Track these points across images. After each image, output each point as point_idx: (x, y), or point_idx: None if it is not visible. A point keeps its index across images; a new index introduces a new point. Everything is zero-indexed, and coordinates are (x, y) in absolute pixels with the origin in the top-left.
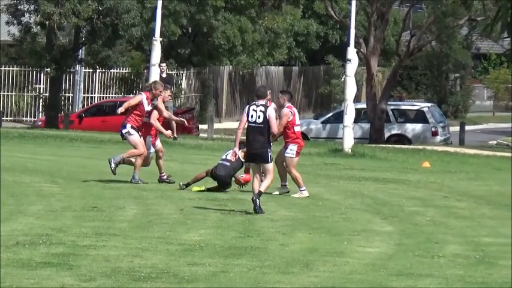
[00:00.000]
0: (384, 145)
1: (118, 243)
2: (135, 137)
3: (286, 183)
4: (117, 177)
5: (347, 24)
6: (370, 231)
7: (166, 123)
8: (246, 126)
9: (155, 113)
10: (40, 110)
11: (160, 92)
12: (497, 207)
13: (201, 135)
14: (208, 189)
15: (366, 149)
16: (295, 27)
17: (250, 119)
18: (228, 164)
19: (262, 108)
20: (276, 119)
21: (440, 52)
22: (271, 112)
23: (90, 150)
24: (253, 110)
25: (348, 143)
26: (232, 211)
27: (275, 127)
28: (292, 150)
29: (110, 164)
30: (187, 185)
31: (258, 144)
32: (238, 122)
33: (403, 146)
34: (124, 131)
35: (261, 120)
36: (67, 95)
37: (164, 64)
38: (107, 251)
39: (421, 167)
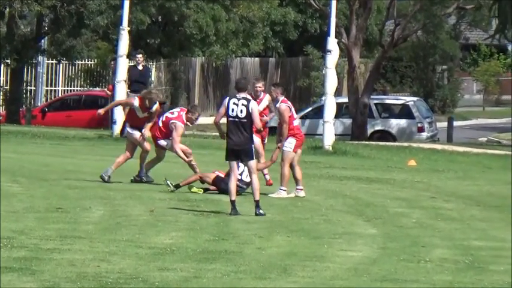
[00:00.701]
0: (366, 142)
1: (84, 247)
2: (136, 136)
3: (302, 187)
4: (83, 176)
5: (327, 12)
6: (353, 234)
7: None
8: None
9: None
10: (0, 104)
11: (196, 118)
12: (488, 209)
13: None
14: (206, 190)
15: (348, 146)
16: (271, 16)
17: (230, 113)
18: (244, 187)
19: (244, 102)
20: (270, 112)
21: (427, 42)
22: (253, 106)
23: (54, 147)
24: (234, 103)
25: (329, 140)
26: (206, 212)
27: (259, 122)
28: (290, 143)
29: (103, 178)
30: (178, 186)
31: (241, 140)
32: (215, 116)
33: (387, 143)
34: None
35: (243, 114)
36: (29, 88)
37: (140, 55)
38: (72, 255)
39: (406, 165)
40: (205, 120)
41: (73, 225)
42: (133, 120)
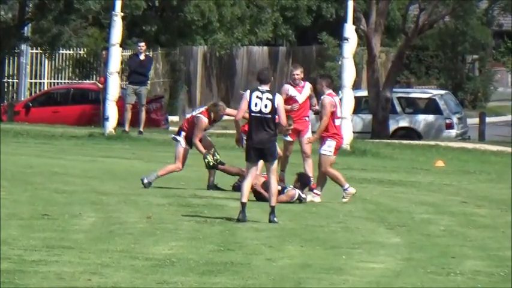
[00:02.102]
0: (389, 140)
1: (73, 258)
2: (181, 149)
3: (320, 193)
4: (71, 179)
5: None
6: (374, 244)
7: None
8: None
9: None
10: None
11: (221, 115)
12: None
13: (170, 128)
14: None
15: (368, 145)
16: (282, 0)
17: (253, 107)
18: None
19: (269, 96)
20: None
21: (456, 29)
22: (280, 100)
23: (39, 147)
24: (257, 97)
25: (346, 138)
26: (209, 219)
27: (284, 118)
28: (330, 147)
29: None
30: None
31: (265, 138)
32: (238, 110)
33: (411, 142)
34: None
35: (268, 109)
36: (11, 80)
37: (143, 43)
38: (60, 267)
39: (433, 166)
40: None
41: (61, 234)
42: (191, 132)
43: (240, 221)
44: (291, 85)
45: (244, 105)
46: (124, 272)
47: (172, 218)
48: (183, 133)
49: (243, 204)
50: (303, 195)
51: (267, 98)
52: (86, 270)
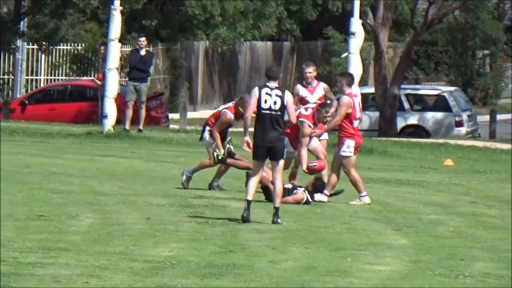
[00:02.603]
0: (396, 138)
1: (70, 260)
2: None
3: (329, 194)
4: (69, 178)
5: None
6: (380, 245)
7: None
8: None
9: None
10: None
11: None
12: None
13: (171, 126)
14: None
15: (375, 143)
16: None
17: (263, 104)
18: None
19: (278, 92)
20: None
21: (466, 23)
22: (289, 98)
23: (36, 145)
24: (267, 93)
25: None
26: (211, 220)
27: (294, 116)
28: (349, 147)
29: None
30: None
31: (275, 136)
32: (247, 107)
33: (420, 140)
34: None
35: (277, 106)
36: (6, 77)
37: (143, 38)
38: (57, 270)
39: (442, 165)
40: (209, 113)
41: (58, 236)
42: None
43: (244, 220)
44: (303, 85)
45: (253, 101)
46: (123, 275)
47: (172, 219)
48: (208, 128)
49: (248, 203)
50: (311, 200)
51: (276, 95)
52: (83, 272)
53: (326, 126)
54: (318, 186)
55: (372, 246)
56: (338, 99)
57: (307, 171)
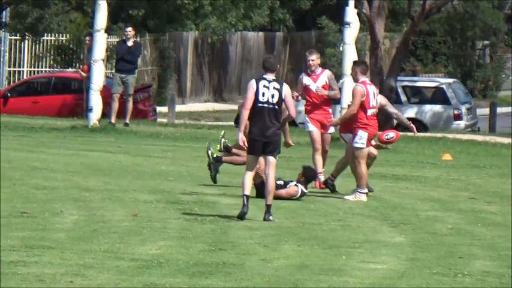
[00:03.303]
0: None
1: (54, 259)
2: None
3: (366, 190)
4: (52, 174)
5: None
6: (376, 243)
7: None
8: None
9: None
10: None
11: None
12: None
13: (159, 120)
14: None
15: None
16: None
17: (260, 97)
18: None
19: (276, 85)
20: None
21: (465, 13)
22: (287, 91)
23: (18, 139)
24: (265, 86)
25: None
26: (200, 217)
27: (293, 109)
28: (362, 138)
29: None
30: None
31: (272, 130)
32: (244, 100)
33: (417, 134)
34: None
35: (275, 99)
36: None
37: (130, 28)
38: (40, 269)
39: (440, 160)
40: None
41: (41, 233)
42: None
43: (242, 215)
44: (307, 73)
45: (251, 94)
46: (108, 274)
47: (160, 215)
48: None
49: (247, 198)
50: (306, 190)
51: (274, 88)
52: (67, 271)
53: (341, 116)
54: (308, 174)
55: (367, 243)
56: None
57: (381, 143)
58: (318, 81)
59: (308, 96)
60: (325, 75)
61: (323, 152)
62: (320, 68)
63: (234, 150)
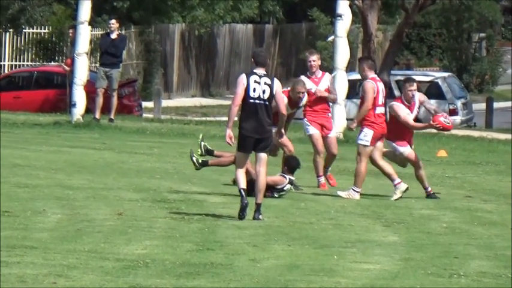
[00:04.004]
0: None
1: (37, 259)
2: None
3: (399, 180)
4: (35, 171)
5: None
6: (369, 242)
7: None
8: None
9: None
10: None
11: (300, 97)
12: None
13: (144, 115)
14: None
15: None
16: None
17: (251, 93)
18: (276, 195)
19: (268, 80)
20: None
21: (461, 5)
22: (278, 86)
23: None
24: (256, 81)
25: (339, 126)
26: (187, 216)
27: (283, 106)
28: (366, 136)
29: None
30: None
31: (264, 127)
32: (234, 96)
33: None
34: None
35: (266, 95)
36: None
37: (114, 21)
38: (22, 269)
39: (435, 156)
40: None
41: (23, 233)
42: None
43: (244, 207)
44: (306, 76)
45: (241, 90)
46: (93, 274)
47: (146, 214)
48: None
49: (243, 190)
50: (293, 178)
51: (265, 83)
52: (50, 272)
53: (356, 116)
54: (291, 162)
55: (359, 243)
56: (360, 85)
57: (438, 123)
58: (320, 85)
59: (309, 100)
60: (326, 79)
61: (331, 156)
62: (320, 72)
63: (216, 152)
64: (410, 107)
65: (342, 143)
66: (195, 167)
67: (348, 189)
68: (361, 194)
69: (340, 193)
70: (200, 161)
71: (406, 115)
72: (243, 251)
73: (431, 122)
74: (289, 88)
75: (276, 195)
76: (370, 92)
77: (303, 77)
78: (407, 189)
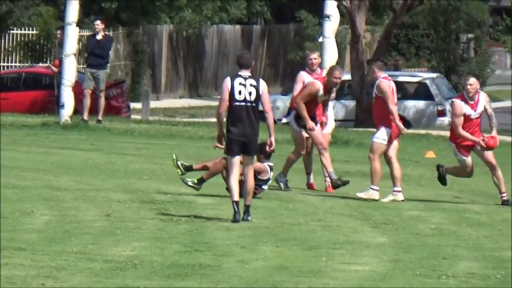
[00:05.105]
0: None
1: (25, 261)
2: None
3: (400, 189)
4: (23, 172)
5: None
6: (357, 244)
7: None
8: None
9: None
10: None
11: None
12: None
13: (133, 116)
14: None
15: (351, 134)
16: None
17: (237, 96)
18: (265, 187)
19: (253, 82)
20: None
21: (449, 5)
22: (264, 87)
23: None
24: (241, 84)
25: (327, 127)
26: (175, 217)
27: (269, 106)
28: (383, 134)
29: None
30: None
31: (250, 129)
32: (219, 102)
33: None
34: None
35: (253, 97)
36: None
37: (99, 22)
38: (11, 271)
39: (424, 157)
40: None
41: (11, 234)
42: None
43: (235, 221)
44: (307, 72)
45: (226, 95)
46: (81, 276)
47: (134, 215)
48: (294, 112)
49: (236, 203)
50: (271, 164)
51: (251, 85)
52: (39, 273)
53: (393, 119)
54: (263, 149)
55: (348, 244)
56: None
57: (487, 146)
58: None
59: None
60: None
61: (323, 149)
62: (319, 69)
63: (195, 166)
64: (472, 105)
65: (330, 144)
66: (195, 188)
67: (366, 190)
68: (348, 194)
69: (359, 194)
70: (196, 181)
71: (457, 119)
72: (232, 252)
73: (482, 142)
74: (324, 75)
75: (264, 188)
76: (388, 90)
77: (303, 72)
78: (402, 201)
